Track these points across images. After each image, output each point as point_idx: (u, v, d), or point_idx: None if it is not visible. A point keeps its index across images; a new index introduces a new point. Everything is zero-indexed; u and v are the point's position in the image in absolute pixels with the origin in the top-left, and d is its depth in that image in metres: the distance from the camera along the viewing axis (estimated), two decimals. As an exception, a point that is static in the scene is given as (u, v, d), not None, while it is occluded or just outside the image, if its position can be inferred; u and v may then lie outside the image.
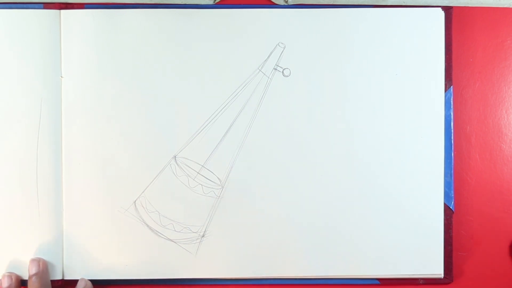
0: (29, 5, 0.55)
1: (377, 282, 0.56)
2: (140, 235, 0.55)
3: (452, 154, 0.55)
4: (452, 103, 0.55)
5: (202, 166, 0.55)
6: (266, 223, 0.55)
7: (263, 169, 0.55)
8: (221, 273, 0.55)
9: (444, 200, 0.55)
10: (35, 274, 0.52)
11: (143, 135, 0.55)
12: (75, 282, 0.54)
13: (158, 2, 0.55)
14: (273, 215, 0.55)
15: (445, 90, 0.55)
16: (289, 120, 0.55)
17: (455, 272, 0.56)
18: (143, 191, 0.55)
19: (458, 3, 0.56)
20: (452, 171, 0.55)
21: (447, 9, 0.55)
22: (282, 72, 0.55)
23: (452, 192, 0.55)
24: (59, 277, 0.54)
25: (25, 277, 0.54)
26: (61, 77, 0.54)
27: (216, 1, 0.55)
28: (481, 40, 0.57)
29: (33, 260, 0.53)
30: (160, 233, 0.55)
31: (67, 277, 0.54)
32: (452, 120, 0.55)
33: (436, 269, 0.55)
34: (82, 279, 0.53)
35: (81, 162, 0.54)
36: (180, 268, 0.55)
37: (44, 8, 0.54)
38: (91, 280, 0.55)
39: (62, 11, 0.54)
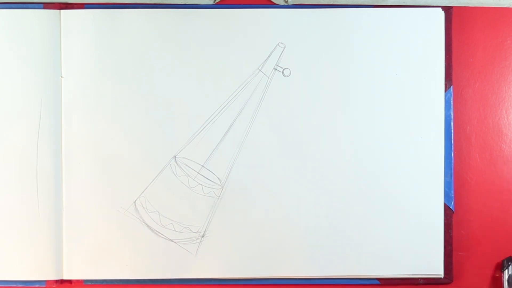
0: (29, 5, 0.55)
1: (377, 282, 0.56)
2: (140, 235, 0.55)
3: (452, 154, 0.55)
4: (452, 103, 0.55)
5: (202, 166, 0.55)
6: (266, 223, 0.55)
7: (263, 169, 0.55)
8: (221, 273, 0.55)
9: (444, 200, 0.55)
10: None
11: (143, 135, 0.55)
12: (75, 282, 0.55)
13: (158, 2, 0.55)
14: (273, 215, 0.55)
15: (445, 90, 0.55)
16: (289, 120, 0.55)
17: (455, 272, 0.56)
18: (143, 191, 0.55)
19: (458, 3, 0.56)
20: (452, 171, 0.55)
21: (447, 9, 0.55)
22: (282, 72, 0.55)
23: (452, 192, 0.55)
24: (59, 277, 0.54)
25: (25, 277, 0.54)
26: (61, 77, 0.54)
27: (216, 1, 0.55)
28: (481, 40, 0.57)
29: None
30: (160, 233, 0.55)
31: (67, 277, 0.54)
32: (452, 120, 0.55)
33: (436, 269, 0.55)
34: None
35: (81, 162, 0.54)
36: (180, 268, 0.55)
37: (44, 8, 0.54)
38: (91, 280, 0.55)
39: (62, 11, 0.54)
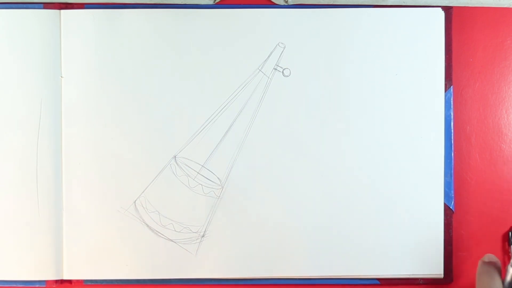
0: (29, 5, 0.55)
1: (377, 282, 0.56)
2: (140, 235, 0.55)
3: (452, 154, 0.55)
4: (452, 103, 0.55)
5: (202, 166, 0.55)
6: (266, 223, 0.55)
7: (263, 169, 0.55)
8: (221, 273, 0.55)
9: (444, 200, 0.55)
10: None
11: (143, 135, 0.55)
12: (75, 282, 0.55)
13: (158, 2, 0.55)
14: (273, 215, 0.55)
15: (445, 90, 0.55)
16: (289, 120, 0.55)
17: (455, 272, 0.56)
18: (143, 191, 0.55)
19: (458, 3, 0.56)
20: (452, 171, 0.55)
21: (447, 9, 0.55)
22: (282, 72, 0.55)
23: (452, 192, 0.55)
24: (59, 277, 0.54)
25: (25, 277, 0.54)
26: (61, 77, 0.54)
27: (216, 1, 0.55)
28: (481, 40, 0.57)
29: None
30: (160, 233, 0.55)
31: (67, 277, 0.54)
32: (452, 120, 0.55)
33: (436, 269, 0.55)
34: None
35: (81, 162, 0.54)
36: (180, 268, 0.55)
37: (44, 8, 0.54)
38: (91, 280, 0.55)
39: (62, 11, 0.54)
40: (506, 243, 0.56)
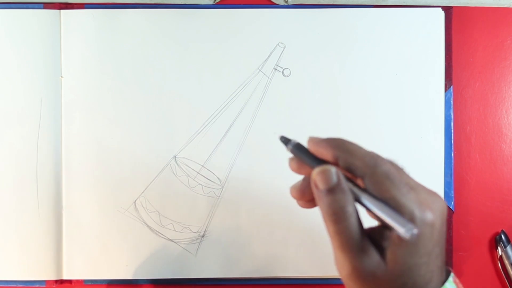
0: (29, 5, 0.55)
1: (377, 282, 0.56)
2: (140, 235, 0.55)
3: (452, 154, 0.55)
4: (452, 103, 0.55)
5: (202, 166, 0.55)
6: (266, 223, 0.55)
7: (263, 169, 0.55)
8: (221, 273, 0.55)
9: (444, 200, 0.55)
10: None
11: (143, 135, 0.55)
12: (75, 282, 0.55)
13: (158, 2, 0.55)
14: (273, 215, 0.55)
15: (445, 90, 0.55)
16: (289, 120, 0.55)
17: (455, 272, 0.56)
18: (143, 191, 0.55)
19: (458, 3, 0.56)
20: (452, 171, 0.55)
21: (447, 9, 0.55)
22: (282, 72, 0.55)
23: (452, 192, 0.55)
24: (59, 277, 0.54)
25: (25, 277, 0.54)
26: (61, 77, 0.54)
27: (216, 1, 0.55)
28: (481, 40, 0.57)
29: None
30: (160, 233, 0.55)
31: (67, 277, 0.54)
32: (452, 120, 0.55)
33: (436, 269, 0.55)
34: None
35: (81, 162, 0.54)
36: (180, 268, 0.55)
37: (44, 8, 0.54)
38: (91, 280, 0.55)
39: (62, 11, 0.54)
40: (497, 246, 0.56)
